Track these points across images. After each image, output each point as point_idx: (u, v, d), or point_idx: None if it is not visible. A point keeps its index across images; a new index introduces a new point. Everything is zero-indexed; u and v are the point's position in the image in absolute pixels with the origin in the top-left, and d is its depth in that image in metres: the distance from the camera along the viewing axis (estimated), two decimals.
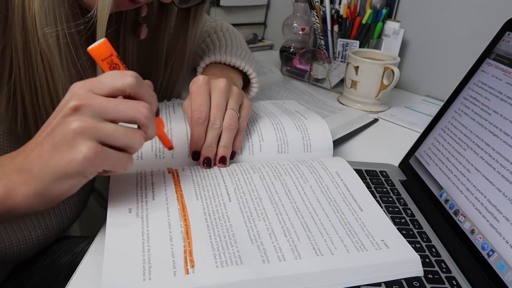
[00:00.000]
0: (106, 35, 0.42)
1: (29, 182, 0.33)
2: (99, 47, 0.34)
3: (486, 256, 0.37)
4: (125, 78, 0.33)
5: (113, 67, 0.35)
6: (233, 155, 0.47)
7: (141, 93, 0.34)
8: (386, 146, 0.65)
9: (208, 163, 0.46)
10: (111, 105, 0.33)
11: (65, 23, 0.42)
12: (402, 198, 0.48)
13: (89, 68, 0.49)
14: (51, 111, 0.42)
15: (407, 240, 0.39)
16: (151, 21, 0.56)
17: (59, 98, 0.44)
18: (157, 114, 0.38)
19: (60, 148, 0.32)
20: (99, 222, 0.41)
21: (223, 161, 0.46)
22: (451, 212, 0.44)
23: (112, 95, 0.34)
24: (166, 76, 0.61)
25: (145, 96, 0.35)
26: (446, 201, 0.45)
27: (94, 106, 0.32)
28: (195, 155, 0.46)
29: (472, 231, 0.40)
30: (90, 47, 0.34)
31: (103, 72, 0.35)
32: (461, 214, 0.42)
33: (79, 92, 0.33)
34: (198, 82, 0.47)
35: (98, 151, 0.32)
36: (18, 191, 0.33)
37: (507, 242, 0.36)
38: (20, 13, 0.39)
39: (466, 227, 0.41)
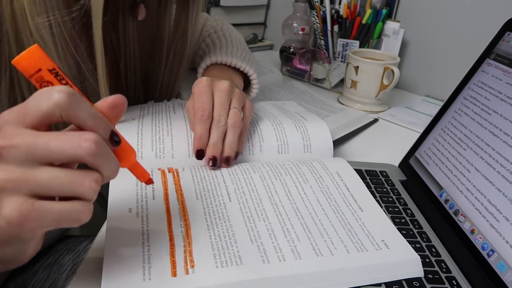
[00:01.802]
0: (103, 21, 0.40)
1: None
2: (23, 57, 0.25)
3: (486, 256, 0.37)
4: (50, 96, 0.24)
5: (43, 85, 0.25)
6: (236, 156, 0.47)
7: (79, 116, 0.25)
8: (386, 146, 0.65)
9: (214, 163, 0.44)
10: (41, 142, 0.24)
11: (57, 10, 0.40)
12: (402, 198, 0.48)
13: (88, 58, 0.47)
14: None
15: (407, 240, 0.39)
16: (150, 1, 0.55)
17: None
18: (116, 142, 0.27)
19: None
20: (99, 222, 0.41)
21: (228, 161, 0.45)
22: (451, 212, 0.44)
23: (42, 125, 0.25)
24: (167, 74, 0.60)
25: (87, 120, 0.25)
26: (446, 201, 0.45)
27: (20, 147, 0.23)
28: (200, 154, 0.45)
29: (472, 231, 0.40)
30: (14, 59, 0.25)
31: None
32: (461, 214, 0.42)
33: (4, 129, 0.24)
34: (201, 83, 0.47)
35: (28, 209, 0.23)
36: None
37: (507, 242, 0.36)
38: (8, 4, 0.38)
39: (466, 227, 0.41)
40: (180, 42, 0.58)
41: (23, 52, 0.24)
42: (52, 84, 0.25)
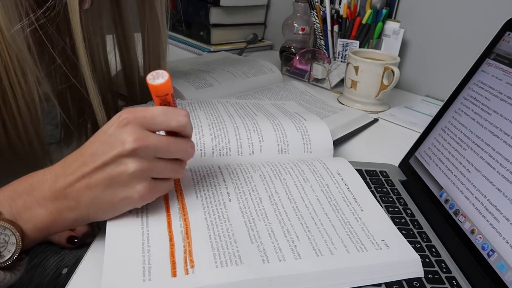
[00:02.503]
0: (80, 16, 0.41)
1: (76, 209, 0.34)
2: (163, 85, 0.33)
3: (486, 256, 0.37)
4: (179, 118, 0.34)
5: (164, 104, 0.35)
6: None
7: (188, 132, 0.36)
8: (386, 146, 0.65)
9: None
10: (164, 146, 0.34)
11: (31, 13, 0.41)
12: (402, 198, 0.48)
13: (69, 55, 0.47)
14: (27, 114, 0.42)
15: (407, 240, 0.39)
16: None
17: (34, 100, 0.44)
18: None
19: (115, 186, 0.33)
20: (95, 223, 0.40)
21: None
22: (451, 212, 0.44)
23: (163, 131, 0.35)
24: (146, 65, 0.59)
25: (191, 134, 0.37)
26: (446, 201, 0.45)
27: (150, 148, 0.33)
28: None
29: (472, 231, 0.40)
30: (153, 83, 0.33)
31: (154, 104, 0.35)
32: (461, 214, 0.42)
33: (135, 130, 0.33)
34: None
35: (152, 188, 0.35)
36: (64, 217, 0.34)
37: (507, 242, 0.36)
38: None
39: (466, 227, 0.41)
40: (152, 33, 0.57)
41: (163, 82, 0.32)
42: (170, 105, 0.35)
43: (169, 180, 0.37)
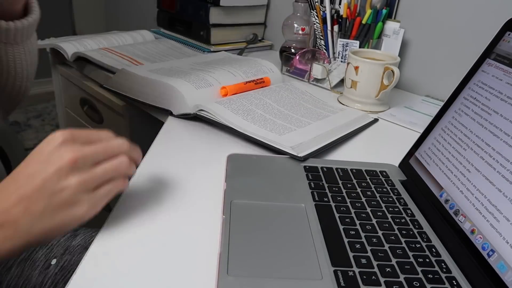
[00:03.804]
0: None
1: (15, 237, 0.32)
2: None
3: (486, 256, 0.37)
4: (108, 134, 0.36)
5: None
6: None
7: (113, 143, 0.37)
8: (386, 146, 0.65)
9: None
10: (101, 149, 0.35)
11: None
12: (402, 198, 0.48)
13: None
14: None
15: (407, 240, 0.39)
16: None
17: None
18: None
19: (58, 207, 0.32)
20: (95, 220, 0.40)
21: None
22: (451, 212, 0.44)
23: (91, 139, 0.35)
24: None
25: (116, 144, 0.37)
26: (446, 201, 0.45)
27: (88, 156, 0.33)
28: None
29: (472, 231, 0.40)
30: None
31: None
32: (461, 214, 0.42)
33: (72, 146, 0.33)
34: None
35: (97, 199, 0.34)
36: (1, 246, 0.31)
37: (507, 242, 0.36)
38: None
39: (466, 227, 0.41)
40: None
41: None
42: None
43: (116, 180, 0.36)
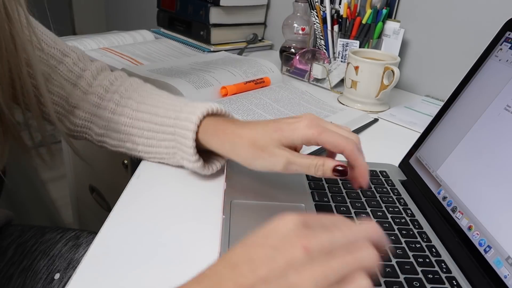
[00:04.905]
0: None
1: None
2: None
3: (483, 252, 0.37)
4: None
5: None
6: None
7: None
8: (386, 146, 0.65)
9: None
10: (339, 238, 0.27)
11: None
12: (402, 198, 0.48)
13: None
14: None
15: (407, 240, 0.39)
16: None
17: None
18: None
19: None
20: (95, 220, 0.40)
21: None
22: (449, 209, 0.44)
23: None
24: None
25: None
26: (444, 198, 0.45)
27: (323, 248, 0.26)
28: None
29: (470, 228, 0.40)
30: None
31: None
32: (459, 211, 0.42)
33: (303, 231, 0.27)
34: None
35: None
36: None
37: (503, 238, 0.36)
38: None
39: (463, 224, 0.41)
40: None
41: None
42: None
43: (353, 279, 0.26)
